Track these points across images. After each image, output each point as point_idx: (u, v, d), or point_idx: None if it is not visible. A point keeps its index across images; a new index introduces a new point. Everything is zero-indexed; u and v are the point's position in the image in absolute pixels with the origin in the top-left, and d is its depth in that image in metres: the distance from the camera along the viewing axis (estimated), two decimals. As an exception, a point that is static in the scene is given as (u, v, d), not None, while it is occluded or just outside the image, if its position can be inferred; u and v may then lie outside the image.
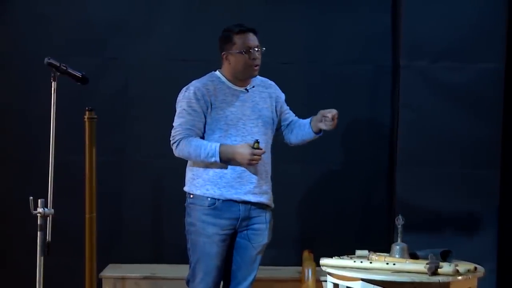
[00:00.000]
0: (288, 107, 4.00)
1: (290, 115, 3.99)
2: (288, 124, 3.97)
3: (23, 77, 4.88)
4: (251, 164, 3.65)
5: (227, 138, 3.69)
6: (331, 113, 3.73)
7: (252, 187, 3.72)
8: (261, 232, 3.79)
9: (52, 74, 3.26)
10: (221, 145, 3.64)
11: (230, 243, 3.77)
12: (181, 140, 3.68)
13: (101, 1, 4.96)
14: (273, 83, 3.95)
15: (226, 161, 3.65)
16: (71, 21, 4.91)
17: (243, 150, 3.62)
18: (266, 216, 3.81)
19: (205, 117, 3.70)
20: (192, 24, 4.93)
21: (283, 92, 3.97)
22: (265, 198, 3.78)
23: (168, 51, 4.94)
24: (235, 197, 3.70)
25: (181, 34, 4.94)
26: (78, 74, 3.39)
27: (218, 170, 3.70)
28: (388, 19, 4.98)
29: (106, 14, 4.93)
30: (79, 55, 4.73)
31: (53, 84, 3.25)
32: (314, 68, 4.99)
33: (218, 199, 3.70)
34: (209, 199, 3.70)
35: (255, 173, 3.71)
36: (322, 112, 3.77)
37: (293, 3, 4.98)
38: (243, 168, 3.69)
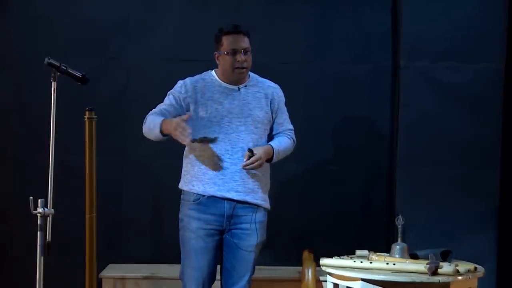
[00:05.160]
0: (284, 119, 3.93)
1: (279, 129, 3.92)
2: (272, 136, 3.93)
3: (23, 77, 4.89)
4: (178, 136, 3.53)
5: (210, 135, 3.68)
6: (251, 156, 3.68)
7: (235, 185, 3.71)
8: (249, 232, 3.76)
9: (52, 74, 3.26)
10: (164, 119, 3.66)
11: (221, 241, 3.77)
12: (148, 116, 3.76)
13: (101, 1, 4.96)
14: (275, 85, 3.92)
15: (166, 133, 3.63)
16: (71, 21, 4.91)
17: (169, 121, 3.60)
18: (255, 216, 3.77)
19: (181, 112, 3.71)
20: (192, 24, 4.93)
21: (283, 91, 3.95)
22: (252, 197, 3.75)
23: (168, 51, 4.94)
24: (218, 194, 3.70)
25: (181, 34, 4.95)
26: (78, 74, 3.39)
27: (202, 167, 3.71)
28: (388, 19, 4.98)
29: (106, 14, 4.93)
30: (79, 55, 4.74)
31: (53, 84, 3.26)
32: (313, 68, 4.99)
33: (203, 195, 3.71)
34: (194, 194, 3.73)
35: (216, 169, 3.69)
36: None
37: (293, 3, 4.98)
38: (226, 165, 3.69)
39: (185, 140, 3.53)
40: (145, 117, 3.79)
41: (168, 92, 3.83)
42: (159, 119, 3.67)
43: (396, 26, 4.92)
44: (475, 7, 4.78)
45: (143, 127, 3.78)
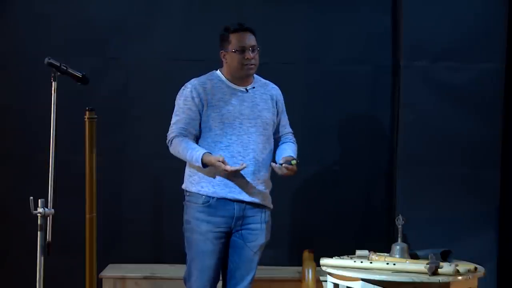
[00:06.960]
0: (287, 121, 3.97)
1: (283, 131, 3.95)
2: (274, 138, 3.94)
3: (23, 77, 4.88)
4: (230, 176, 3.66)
5: (223, 137, 3.70)
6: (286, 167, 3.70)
7: (247, 186, 3.71)
8: (257, 232, 3.78)
9: (52, 74, 3.25)
10: (205, 153, 3.62)
11: (227, 242, 3.77)
12: (173, 138, 3.71)
13: (101, 1, 4.96)
14: (276, 87, 3.94)
15: (209, 165, 3.64)
16: (71, 21, 4.91)
17: (210, 161, 3.59)
18: (262, 216, 3.79)
19: (201, 116, 3.71)
20: (192, 24, 4.93)
21: (283, 91, 3.96)
22: (260, 198, 3.77)
23: (168, 51, 4.94)
24: (229, 195, 3.70)
25: (181, 34, 4.94)
26: (79, 74, 3.39)
27: (213, 168, 3.69)
28: (388, 19, 4.98)
29: (106, 14, 4.93)
30: (79, 55, 4.73)
31: (53, 84, 3.25)
32: (314, 68, 4.99)
33: (213, 197, 3.70)
34: (203, 196, 3.71)
35: (245, 176, 3.70)
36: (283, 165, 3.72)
37: (293, 3, 4.98)
38: (237, 167, 3.68)
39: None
40: (171, 139, 3.71)
41: (178, 103, 3.75)
42: (196, 151, 3.63)
43: (396, 26, 4.92)
44: (475, 7, 4.78)
45: (171, 148, 3.73)
